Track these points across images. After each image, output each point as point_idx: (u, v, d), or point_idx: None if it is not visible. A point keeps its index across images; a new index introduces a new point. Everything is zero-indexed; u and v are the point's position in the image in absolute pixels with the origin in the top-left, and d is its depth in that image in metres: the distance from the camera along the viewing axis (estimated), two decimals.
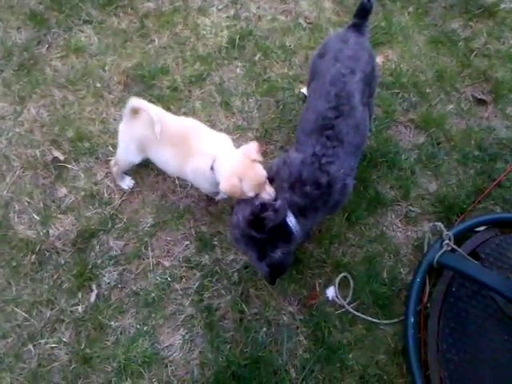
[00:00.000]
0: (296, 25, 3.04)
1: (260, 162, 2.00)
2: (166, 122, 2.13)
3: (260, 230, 1.85)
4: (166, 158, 2.17)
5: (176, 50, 2.93)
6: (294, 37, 2.99)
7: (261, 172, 1.96)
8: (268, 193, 1.97)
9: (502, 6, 3.13)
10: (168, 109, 2.68)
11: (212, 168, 2.02)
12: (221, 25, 3.02)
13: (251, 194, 1.95)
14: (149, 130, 2.11)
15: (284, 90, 2.81)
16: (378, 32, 2.99)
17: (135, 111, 2.12)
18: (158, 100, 2.72)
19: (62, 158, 2.59)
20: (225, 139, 2.15)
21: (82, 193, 2.51)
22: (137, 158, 2.28)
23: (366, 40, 2.17)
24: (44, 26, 2.96)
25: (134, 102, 2.10)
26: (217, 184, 2.04)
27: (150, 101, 2.68)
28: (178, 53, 2.92)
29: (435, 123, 2.71)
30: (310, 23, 3.06)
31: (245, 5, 3.10)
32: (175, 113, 2.51)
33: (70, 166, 2.57)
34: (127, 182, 2.52)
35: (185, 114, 2.67)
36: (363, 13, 2.14)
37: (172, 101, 2.74)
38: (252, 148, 2.00)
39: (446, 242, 2.21)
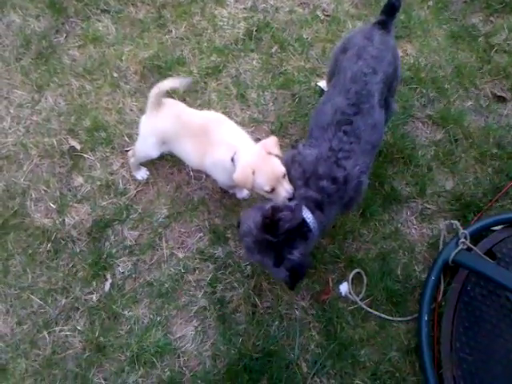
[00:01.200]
0: (314, 17, 2.96)
1: (278, 157, 1.95)
2: (188, 115, 2.12)
3: (275, 232, 1.76)
4: (187, 150, 2.14)
5: (193, 41, 2.88)
6: (312, 29, 2.92)
7: (278, 166, 1.91)
8: (286, 189, 1.90)
9: None
10: (183, 100, 2.64)
11: (233, 159, 1.98)
12: (238, 16, 2.96)
13: (267, 187, 1.90)
14: (172, 123, 2.09)
15: (300, 83, 2.75)
16: (396, 26, 2.89)
17: (158, 102, 2.09)
18: (173, 91, 2.67)
19: (78, 147, 2.56)
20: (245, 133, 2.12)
21: (98, 182, 2.49)
22: (155, 152, 2.25)
23: (392, 38, 2.11)
24: (62, 14, 2.92)
25: (157, 87, 2.06)
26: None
27: (166, 92, 2.69)
28: (195, 44, 2.87)
29: (453, 120, 2.63)
30: (327, 16, 2.98)
31: None
32: (191, 104, 2.47)
33: (86, 156, 2.55)
34: (142, 173, 2.49)
35: (200, 105, 2.63)
36: (391, 10, 2.08)
37: (188, 92, 2.69)
38: (271, 142, 1.97)
39: (462, 240, 2.16)
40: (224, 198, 2.47)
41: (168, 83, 2.08)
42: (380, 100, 1.99)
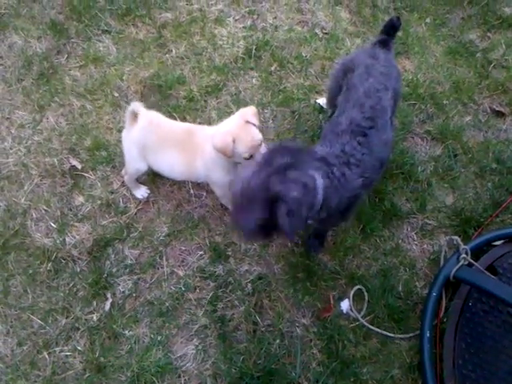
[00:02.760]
0: (312, 35, 3.07)
1: (256, 126, 2.06)
2: (165, 127, 2.22)
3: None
4: (170, 162, 2.23)
5: (193, 60, 2.98)
6: (310, 47, 3.02)
7: (256, 134, 2.03)
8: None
9: None
10: (184, 119, 2.74)
11: (214, 145, 2.05)
12: (237, 35, 3.06)
13: (246, 154, 2.03)
14: (147, 136, 2.19)
15: (299, 100, 2.83)
16: (395, 42, 2.97)
17: (134, 116, 2.18)
18: (174, 110, 2.76)
19: (79, 166, 2.64)
20: None
21: (99, 201, 2.56)
22: (142, 165, 2.32)
23: (393, 56, 2.20)
24: (64, 35, 3.04)
25: (133, 106, 2.17)
26: (231, 167, 2.12)
27: (166, 111, 2.78)
28: (195, 63, 2.97)
29: (452, 135, 2.71)
30: (326, 33, 3.09)
31: (261, 15, 3.15)
32: (191, 123, 2.56)
33: (87, 175, 2.62)
34: (142, 192, 2.56)
35: (200, 123, 2.71)
36: (391, 30, 2.19)
37: (188, 111, 2.78)
38: (250, 111, 2.08)
39: (463, 256, 2.20)
40: (224, 215, 2.53)
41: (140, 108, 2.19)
42: (391, 117, 2.06)
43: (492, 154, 2.67)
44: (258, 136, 2.04)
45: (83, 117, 2.79)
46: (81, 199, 2.58)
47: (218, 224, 2.51)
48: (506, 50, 3.01)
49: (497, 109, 2.81)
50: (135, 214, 2.54)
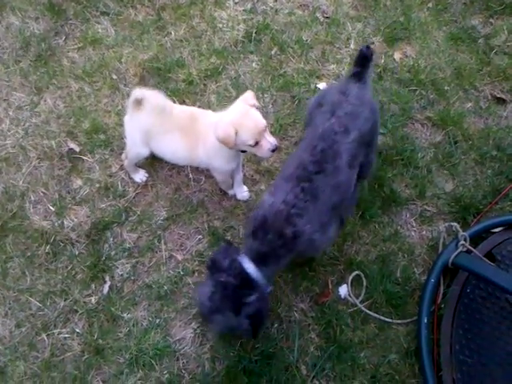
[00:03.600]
0: (313, 19, 2.97)
1: (258, 108, 2.00)
2: (169, 111, 2.14)
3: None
4: (173, 147, 2.17)
5: (192, 43, 2.89)
6: (311, 31, 2.93)
7: (259, 119, 1.96)
8: (269, 141, 1.96)
9: None
10: (183, 102, 2.66)
11: (216, 136, 1.99)
12: (237, 18, 2.96)
13: (251, 142, 1.96)
14: (153, 121, 2.12)
15: (300, 85, 2.75)
16: (396, 27, 2.92)
17: (138, 103, 2.10)
18: (173, 93, 2.68)
19: (77, 149, 2.57)
20: None
21: (97, 185, 2.49)
22: (144, 150, 2.26)
23: (368, 91, 2.06)
24: (62, 17, 2.93)
25: (138, 92, 2.08)
26: (233, 156, 2.07)
27: (165, 94, 2.67)
28: (194, 46, 2.88)
29: (453, 121, 2.63)
30: (327, 17, 2.99)
31: None
32: (190, 106, 2.49)
33: (85, 158, 2.55)
34: (140, 176, 2.50)
35: (200, 107, 2.63)
36: (363, 61, 2.00)
37: (187, 94, 2.70)
38: (248, 95, 2.02)
39: (462, 242, 2.16)
40: (223, 200, 2.48)
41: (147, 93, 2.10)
42: (351, 160, 1.90)
43: (492, 140, 2.60)
44: (262, 121, 1.97)
45: (81, 99, 2.71)
46: (79, 182, 2.51)
47: (217, 209, 2.45)
48: (509, 36, 2.91)
49: (498, 95, 2.73)
50: (134, 197, 2.48)
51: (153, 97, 2.10)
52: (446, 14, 3.01)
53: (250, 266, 1.82)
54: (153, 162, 2.51)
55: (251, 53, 2.86)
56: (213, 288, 1.80)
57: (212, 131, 2.02)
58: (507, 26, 2.95)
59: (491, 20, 3.00)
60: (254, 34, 2.88)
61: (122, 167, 2.53)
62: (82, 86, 2.74)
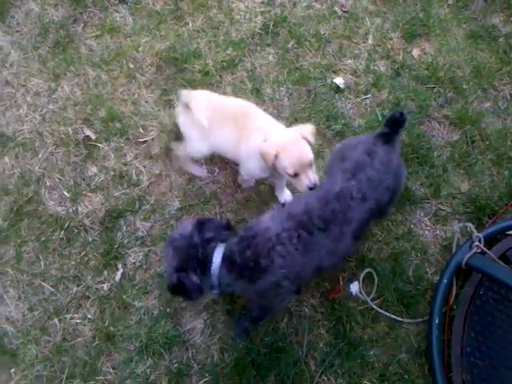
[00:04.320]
0: (331, 13, 2.87)
1: (310, 144, 1.91)
2: (222, 103, 2.10)
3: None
4: (223, 137, 2.09)
5: (209, 34, 2.80)
6: (329, 25, 2.83)
7: (306, 152, 1.87)
8: (309, 178, 1.85)
9: None
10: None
11: (265, 141, 1.94)
12: (255, 10, 2.87)
13: (290, 171, 1.87)
14: (206, 116, 2.05)
15: (316, 79, 2.66)
16: (415, 24, 2.81)
17: (187, 104, 2.06)
18: (189, 84, 2.62)
19: (93, 137, 2.52)
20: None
21: (112, 173, 2.44)
22: (203, 146, 2.17)
23: (396, 154, 1.89)
24: (80, 4, 2.86)
25: (184, 97, 2.06)
26: (268, 168, 1.99)
27: (181, 84, 2.63)
28: (211, 37, 2.80)
29: (470, 121, 2.54)
30: (345, 12, 2.88)
31: None
32: None
33: (100, 146, 2.50)
34: (199, 169, 2.43)
35: None
36: (394, 125, 1.83)
37: (203, 85, 2.62)
38: (308, 128, 1.94)
39: (476, 243, 2.08)
40: (236, 192, 2.41)
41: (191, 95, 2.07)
42: (356, 231, 1.77)
43: (510, 141, 2.50)
44: (308, 155, 1.87)
45: (98, 87, 2.65)
46: (94, 169, 2.46)
47: (230, 201, 2.40)
48: None
49: None
50: (147, 186, 2.43)
51: (199, 97, 2.06)
52: (467, 12, 2.89)
53: (217, 259, 1.72)
54: (167, 152, 2.46)
55: (268, 45, 2.77)
56: (183, 239, 1.72)
57: (258, 134, 1.97)
58: None
59: None
60: (271, 27, 2.79)
61: (136, 156, 2.48)
62: (99, 73, 2.68)
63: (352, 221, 1.73)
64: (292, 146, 1.86)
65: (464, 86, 2.65)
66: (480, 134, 2.52)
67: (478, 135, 2.52)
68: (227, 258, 1.72)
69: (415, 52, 2.75)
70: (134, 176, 2.44)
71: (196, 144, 2.17)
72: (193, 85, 2.62)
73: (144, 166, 2.45)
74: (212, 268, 1.71)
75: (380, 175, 1.77)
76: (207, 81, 2.66)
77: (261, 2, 2.91)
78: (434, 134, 2.54)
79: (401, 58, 2.72)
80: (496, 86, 2.66)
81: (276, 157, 1.86)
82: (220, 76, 2.69)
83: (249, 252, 1.70)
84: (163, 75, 2.68)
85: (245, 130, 2.02)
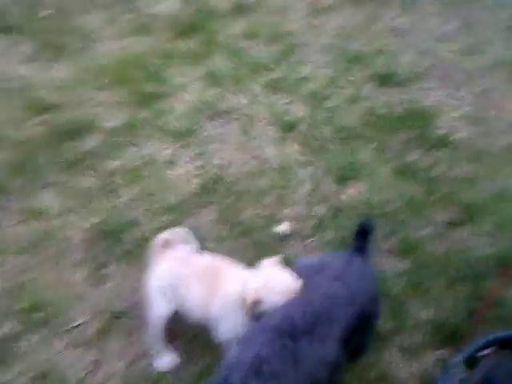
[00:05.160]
0: (265, 168, 3.37)
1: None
2: (193, 258, 2.29)
3: None
4: (192, 296, 2.19)
5: (145, 203, 3.14)
6: (265, 179, 3.30)
7: (289, 280, 2.03)
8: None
9: (456, 135, 3.62)
10: (137, 264, 2.75)
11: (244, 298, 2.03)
12: (191, 174, 3.32)
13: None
14: (176, 266, 2.23)
15: (259, 230, 2.97)
16: (345, 167, 3.34)
17: (166, 245, 2.26)
18: (125, 255, 2.84)
19: (13, 331, 2.53)
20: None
21: (31, 374, 2.38)
22: (166, 308, 2.27)
23: (370, 268, 2.19)
24: (2, 192, 3.17)
25: (164, 235, 2.28)
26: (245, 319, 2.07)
27: (117, 256, 2.84)
28: (148, 205, 3.13)
29: (415, 249, 2.86)
30: (277, 166, 3.40)
31: (212, 155, 3.47)
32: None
33: (22, 340, 2.50)
34: (168, 360, 2.40)
35: None
36: (363, 234, 2.17)
37: (141, 256, 2.76)
38: (275, 260, 2.15)
39: (454, 370, 2.20)
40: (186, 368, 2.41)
41: (166, 234, 2.29)
42: (342, 338, 1.85)
43: (457, 262, 2.80)
44: (293, 281, 2.04)
45: (22, 275, 2.77)
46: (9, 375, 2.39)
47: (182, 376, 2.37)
48: (448, 164, 3.36)
49: (451, 219, 3.03)
50: (83, 378, 2.37)
51: (180, 235, 2.31)
52: (388, 152, 3.47)
53: None
54: (99, 335, 2.51)
55: (208, 203, 3.13)
56: None
57: (233, 285, 2.10)
58: (445, 157, 3.44)
59: (430, 152, 3.47)
60: (209, 186, 3.21)
61: (66, 346, 2.49)
62: (24, 259, 2.83)
63: (336, 324, 1.83)
64: (275, 281, 2.04)
65: (401, 218, 3.03)
66: (427, 259, 2.81)
67: (425, 261, 2.80)
68: None
69: (350, 193, 3.22)
70: (59, 374, 2.37)
71: (159, 303, 2.26)
72: (129, 256, 2.83)
73: (76, 356, 2.44)
74: None
75: (359, 283, 2.00)
76: (146, 250, 2.90)
77: (195, 167, 3.38)
78: (384, 267, 2.79)
79: (337, 199, 3.17)
80: (429, 213, 3.07)
81: (261, 300, 1.99)
82: None
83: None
84: (95, 250, 2.88)
85: (218, 283, 2.16)
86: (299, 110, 3.83)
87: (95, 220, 3.04)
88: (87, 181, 3.30)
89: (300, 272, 2.08)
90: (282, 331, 1.74)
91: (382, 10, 4.82)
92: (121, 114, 3.78)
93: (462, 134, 3.64)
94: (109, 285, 2.75)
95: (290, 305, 1.90)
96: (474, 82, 4.05)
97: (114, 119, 3.75)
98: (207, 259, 2.32)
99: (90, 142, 3.56)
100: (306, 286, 2.00)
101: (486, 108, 3.83)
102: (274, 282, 2.05)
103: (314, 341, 1.74)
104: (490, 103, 3.87)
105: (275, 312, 1.89)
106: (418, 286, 2.71)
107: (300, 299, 1.93)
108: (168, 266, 2.26)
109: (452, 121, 3.73)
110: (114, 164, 3.42)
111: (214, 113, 3.82)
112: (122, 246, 2.91)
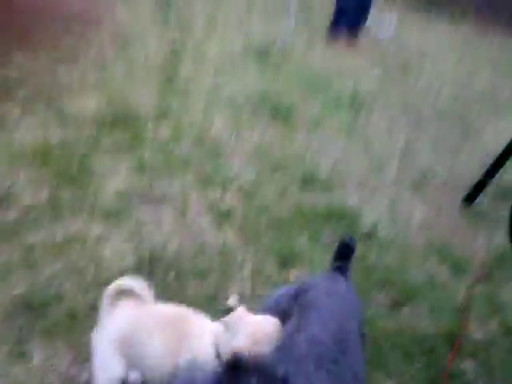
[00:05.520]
0: (204, 250, 3.30)
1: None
2: (153, 307, 2.08)
3: None
4: (153, 350, 1.94)
5: (73, 278, 2.85)
6: (205, 260, 3.21)
7: (266, 325, 1.94)
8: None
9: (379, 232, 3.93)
10: (67, 340, 2.45)
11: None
12: (125, 251, 3.13)
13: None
14: (133, 317, 2.01)
15: (206, 308, 2.81)
16: (284, 251, 3.40)
17: (117, 297, 2.03)
18: (51, 329, 2.50)
19: None
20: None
21: None
22: (119, 368, 1.96)
23: (351, 286, 2.15)
24: None
25: (113, 286, 2.05)
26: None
27: (40, 331, 2.48)
28: (75, 280, 2.84)
29: (367, 324, 2.89)
30: (216, 249, 3.34)
31: (147, 235, 3.34)
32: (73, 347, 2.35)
33: None
34: None
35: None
36: (346, 253, 2.17)
37: (68, 331, 2.52)
38: (241, 309, 2.03)
39: None
40: None
41: (120, 282, 2.08)
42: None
43: (408, 337, 2.88)
44: (269, 326, 1.95)
45: None
46: None
47: None
48: (377, 255, 3.62)
49: (393, 300, 3.17)
50: None
51: (135, 284, 2.08)
52: (322, 241, 3.68)
53: None
54: None
55: (146, 280, 2.91)
56: None
57: (207, 336, 1.95)
58: (374, 248, 3.71)
59: (359, 243, 3.71)
60: (145, 263, 3.03)
61: None
62: None
63: (354, 334, 1.80)
64: (261, 333, 1.91)
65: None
66: (379, 335, 2.83)
67: (378, 336, 2.81)
68: None
69: (292, 274, 3.25)
70: None
71: (110, 364, 1.95)
72: (55, 330, 2.49)
73: None
74: None
75: (351, 299, 2.00)
76: (74, 325, 2.54)
77: (130, 245, 3.20)
78: None
79: (280, 279, 3.16)
80: (371, 297, 3.18)
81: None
82: (90, 318, 2.61)
83: None
84: (15, 325, 2.49)
85: (185, 335, 1.97)
86: (233, 200, 3.90)
87: (15, 292, 2.69)
88: (3, 253, 2.95)
89: (278, 302, 2.08)
90: (321, 355, 1.64)
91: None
92: (41, 192, 3.52)
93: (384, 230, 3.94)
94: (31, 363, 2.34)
95: (307, 329, 1.77)
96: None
97: (33, 196, 3.48)
98: (170, 308, 2.14)
99: (7, 216, 3.25)
100: (307, 308, 1.92)
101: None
102: (259, 334, 1.93)
103: (350, 356, 1.70)
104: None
105: (296, 338, 1.74)
106: (379, 361, 2.67)
107: (311, 320, 1.83)
108: (123, 317, 2.03)
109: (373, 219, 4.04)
110: (35, 237, 3.11)
111: (146, 198, 3.76)
112: (46, 321, 2.56)
